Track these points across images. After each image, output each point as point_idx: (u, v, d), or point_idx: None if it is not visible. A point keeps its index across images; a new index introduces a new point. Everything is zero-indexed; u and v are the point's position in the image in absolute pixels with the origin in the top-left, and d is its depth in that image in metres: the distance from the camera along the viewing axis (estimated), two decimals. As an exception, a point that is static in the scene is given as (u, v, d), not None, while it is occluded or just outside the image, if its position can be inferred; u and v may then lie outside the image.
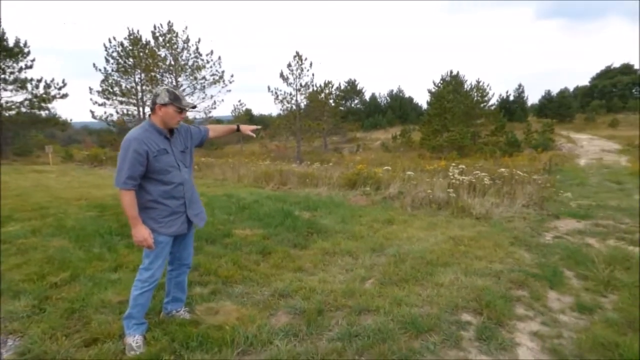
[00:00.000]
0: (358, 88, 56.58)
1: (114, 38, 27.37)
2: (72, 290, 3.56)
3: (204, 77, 29.11)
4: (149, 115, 2.69)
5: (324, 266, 4.24)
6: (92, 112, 27.46)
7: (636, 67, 64.77)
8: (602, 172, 15.32)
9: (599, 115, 52.61)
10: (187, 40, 28.41)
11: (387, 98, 61.69)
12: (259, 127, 3.44)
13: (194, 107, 2.80)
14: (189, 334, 2.71)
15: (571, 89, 66.38)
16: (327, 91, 32.23)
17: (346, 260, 4.42)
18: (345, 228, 5.73)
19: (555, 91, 56.11)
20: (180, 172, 2.73)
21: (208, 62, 28.93)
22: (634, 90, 61.58)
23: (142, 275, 2.72)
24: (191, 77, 29.04)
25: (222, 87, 29.29)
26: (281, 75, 29.26)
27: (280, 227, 5.70)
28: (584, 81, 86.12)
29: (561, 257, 4.42)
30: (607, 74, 66.47)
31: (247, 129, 3.25)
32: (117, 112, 28.15)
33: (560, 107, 52.64)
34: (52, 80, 24.95)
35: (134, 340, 2.65)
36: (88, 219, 6.49)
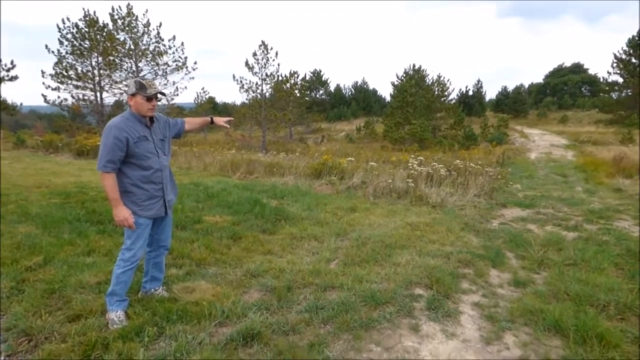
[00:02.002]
0: (323, 79, 56.75)
1: (68, 19, 26.04)
2: (48, 273, 3.69)
3: (166, 63, 28.32)
4: (130, 106, 2.89)
5: (292, 249, 4.55)
6: (44, 96, 26.12)
7: (586, 66, 68.64)
8: (550, 166, 16.39)
9: (550, 112, 55.45)
10: (147, 24, 27.54)
11: (352, 90, 62.35)
12: (231, 118, 3.65)
13: (163, 94, 2.94)
14: (169, 309, 2.94)
15: (526, 85, 69.51)
16: (292, 81, 32.26)
17: (312, 244, 4.74)
18: (311, 215, 6.04)
19: (511, 87, 58.62)
20: (159, 158, 2.95)
21: (170, 47, 28.20)
22: (582, 89, 65.24)
23: (124, 255, 2.92)
24: (152, 63, 28.20)
25: (186, 74, 28.69)
26: (246, 64, 29.00)
27: (249, 214, 5.94)
28: (539, 78, 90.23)
29: (504, 241, 4.93)
30: (559, 72, 70.00)
31: (220, 120, 3.47)
32: (73, 97, 26.94)
33: (516, 103, 55.05)
34: (-1, 61, 23.64)
35: (117, 315, 2.86)
36: (52, 206, 6.47)
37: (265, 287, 3.45)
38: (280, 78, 30.38)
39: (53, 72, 25.73)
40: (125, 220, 2.76)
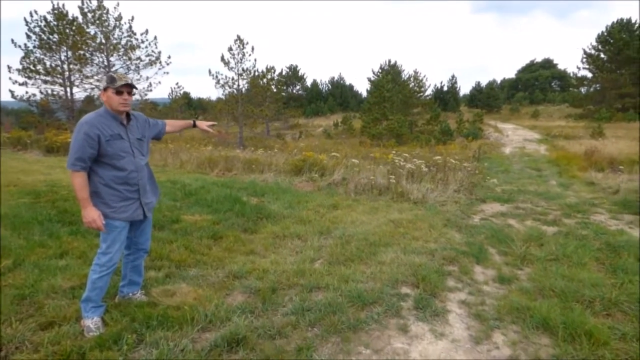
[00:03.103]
0: (300, 74, 56.42)
1: (36, 12, 25.07)
2: (18, 277, 3.51)
3: (138, 58, 27.62)
4: (104, 102, 2.74)
5: (274, 249, 4.45)
6: (11, 91, 25.13)
7: (555, 61, 70.54)
8: (524, 160, 16.72)
9: (522, 106, 56.66)
10: (119, 18, 26.77)
11: (329, 85, 62.21)
12: (215, 122, 3.51)
13: (133, 87, 2.73)
14: (148, 314, 2.81)
15: (499, 81, 70.95)
16: (269, 77, 31.92)
17: (295, 243, 4.65)
18: (292, 213, 5.95)
19: (484, 83, 59.58)
20: (135, 158, 2.79)
21: (143, 41, 27.51)
22: (553, 84, 67.04)
23: (100, 259, 2.77)
24: (125, 57, 27.45)
25: (159, 68, 28.05)
26: (222, 59, 28.54)
27: (229, 212, 5.80)
28: (511, 74, 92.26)
29: (486, 237, 4.95)
30: (530, 67, 71.67)
31: (203, 125, 3.34)
32: (41, 93, 25.96)
33: (489, 98, 55.95)
34: (-36, 55, 22.60)
35: (93, 322, 2.72)
36: (22, 205, 6.19)
37: (249, 289, 3.35)
38: (256, 73, 30.03)
39: (20, 66, 24.76)
40: (93, 222, 2.61)
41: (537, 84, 66.01)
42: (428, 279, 3.49)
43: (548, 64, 70.63)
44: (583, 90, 43.00)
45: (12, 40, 24.31)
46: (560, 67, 68.76)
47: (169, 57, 28.38)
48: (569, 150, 17.60)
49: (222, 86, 29.70)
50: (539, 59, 72.46)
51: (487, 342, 2.64)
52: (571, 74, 43.55)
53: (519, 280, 3.64)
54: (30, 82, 25.25)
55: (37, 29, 25.06)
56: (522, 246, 4.42)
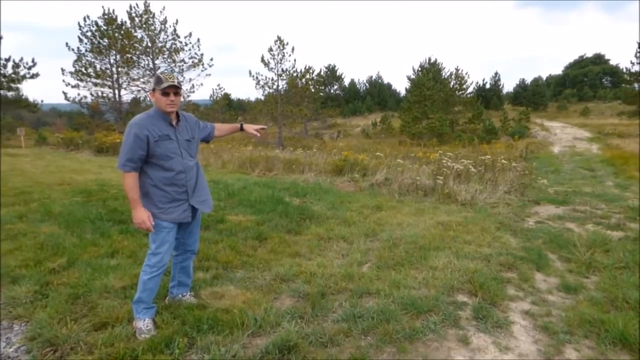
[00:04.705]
0: (337, 74, 56.35)
1: (88, 17, 26.37)
2: (72, 275, 3.57)
3: (182, 60, 28.49)
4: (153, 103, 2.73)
5: (320, 251, 4.34)
6: (64, 93, 26.51)
7: (607, 57, 66.74)
8: (575, 160, 15.88)
9: (570, 104, 54.01)
10: (164, 22, 27.67)
11: (366, 84, 61.78)
12: (264, 126, 3.38)
13: (178, 86, 2.65)
14: (198, 317, 2.77)
15: (544, 77, 67.93)
16: (307, 77, 32.03)
17: (341, 245, 4.53)
18: (336, 214, 5.83)
19: (529, 79, 57.22)
20: (183, 159, 2.75)
21: (186, 44, 28.32)
22: (603, 80, 63.47)
23: (150, 260, 2.75)
24: (169, 60, 28.36)
25: (202, 70, 28.78)
26: (262, 60, 28.94)
27: (273, 213, 5.76)
28: (557, 70, 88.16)
29: (544, 241, 4.64)
30: (580, 63, 68.23)
31: (251, 128, 3.22)
32: (92, 95, 27.28)
33: (534, 96, 53.70)
34: (21, 59, 23.96)
35: (144, 323, 2.71)
36: (75, 204, 6.42)
37: (297, 293, 3.26)
38: (295, 74, 30.20)
39: (73, 69, 26.11)
40: (143, 223, 2.60)
41: (586, 80, 62.71)
42: (486, 286, 3.28)
43: (599, 59, 66.96)
44: (637, 86, 40.42)
45: (67, 44, 25.67)
46: (612, 62, 64.98)
47: (212, 60, 29.04)
48: (624, 149, 16.58)
49: (262, 87, 30.10)
50: (589, 54, 68.88)
51: (558, 358, 2.42)
52: (624, 70, 40.90)
53: (587, 290, 3.36)
54: (82, 84, 26.60)
55: (89, 33, 26.31)
56: (586, 252, 4.09)
